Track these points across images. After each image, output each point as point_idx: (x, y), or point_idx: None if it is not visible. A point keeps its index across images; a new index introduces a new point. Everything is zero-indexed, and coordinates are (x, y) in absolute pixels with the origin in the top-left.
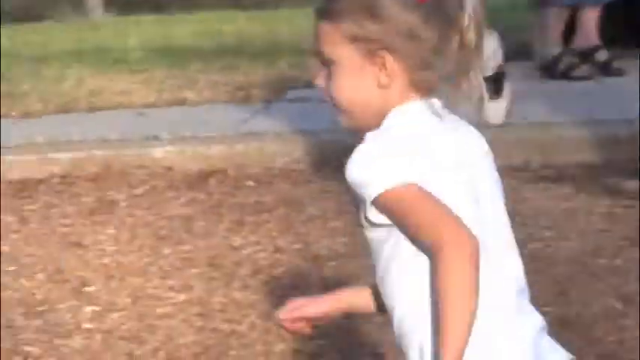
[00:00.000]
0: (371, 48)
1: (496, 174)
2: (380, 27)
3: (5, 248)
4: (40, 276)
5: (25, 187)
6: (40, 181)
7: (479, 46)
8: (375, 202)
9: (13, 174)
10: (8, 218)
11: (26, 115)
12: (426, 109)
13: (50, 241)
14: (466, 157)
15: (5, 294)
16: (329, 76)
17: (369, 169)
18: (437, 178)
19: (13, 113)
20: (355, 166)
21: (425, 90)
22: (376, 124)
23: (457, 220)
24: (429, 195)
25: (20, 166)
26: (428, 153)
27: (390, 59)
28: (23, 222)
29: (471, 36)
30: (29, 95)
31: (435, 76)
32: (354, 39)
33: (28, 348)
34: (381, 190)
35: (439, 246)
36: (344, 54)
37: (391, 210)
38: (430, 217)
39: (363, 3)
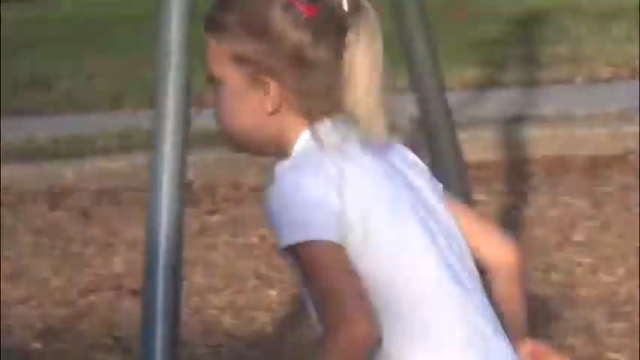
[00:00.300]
0: (254, 71)
1: (432, 185)
2: (264, 48)
3: (579, 237)
4: (620, 271)
5: (597, 165)
6: (613, 159)
7: (374, 61)
8: (285, 251)
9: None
10: (580, 202)
11: (592, 80)
12: (329, 135)
13: (629, 229)
14: (383, 179)
15: (582, 291)
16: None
17: (284, 211)
18: (356, 221)
19: (579, 79)
20: (270, 202)
21: (321, 115)
22: (278, 151)
23: (360, 307)
24: (341, 264)
25: (592, 140)
26: (343, 191)
27: (274, 86)
28: (596, 206)
29: (361, 51)
30: (596, 58)
31: (331, 101)
32: (237, 59)
33: (612, 355)
34: (291, 242)
35: (331, 328)
36: (228, 74)
37: (298, 264)
38: (334, 294)
39: (247, 19)
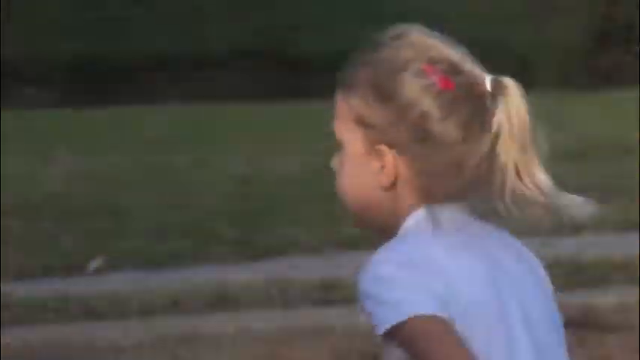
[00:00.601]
0: (374, 138)
1: (546, 292)
2: (388, 113)
3: None
4: None
5: None
6: None
7: (518, 155)
8: (386, 337)
9: None
10: None
11: None
12: (442, 219)
13: None
14: (485, 279)
15: None
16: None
17: (379, 294)
18: (454, 304)
19: None
20: (361, 287)
21: (442, 197)
22: (390, 229)
23: None
24: (445, 335)
25: None
26: (442, 277)
27: (392, 158)
28: None
29: (506, 142)
30: None
31: (455, 184)
32: (360, 121)
33: None
34: (390, 325)
35: None
36: (349, 138)
37: (403, 345)
38: None
39: (377, 79)
